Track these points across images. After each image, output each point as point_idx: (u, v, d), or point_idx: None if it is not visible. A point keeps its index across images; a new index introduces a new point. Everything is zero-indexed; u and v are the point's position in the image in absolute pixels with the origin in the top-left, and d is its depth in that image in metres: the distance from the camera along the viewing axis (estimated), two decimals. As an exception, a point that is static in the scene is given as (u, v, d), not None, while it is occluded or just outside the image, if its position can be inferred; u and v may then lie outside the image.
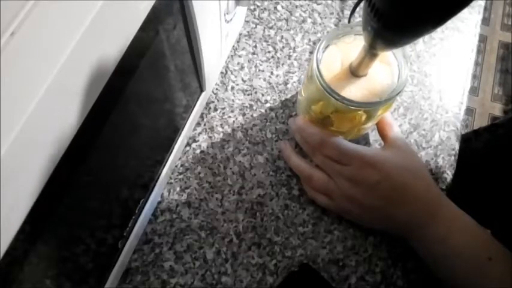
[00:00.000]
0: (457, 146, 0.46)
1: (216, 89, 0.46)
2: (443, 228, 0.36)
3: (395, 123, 0.42)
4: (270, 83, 0.47)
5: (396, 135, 0.40)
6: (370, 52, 0.32)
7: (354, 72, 0.36)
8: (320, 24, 0.50)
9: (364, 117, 0.37)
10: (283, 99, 0.46)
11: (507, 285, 0.33)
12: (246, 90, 0.46)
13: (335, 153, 0.38)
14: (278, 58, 0.48)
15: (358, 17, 0.50)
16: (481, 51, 1.52)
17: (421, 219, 0.37)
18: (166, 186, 0.42)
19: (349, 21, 0.48)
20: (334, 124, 0.39)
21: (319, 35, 0.50)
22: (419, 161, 0.40)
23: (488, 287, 0.34)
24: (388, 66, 0.37)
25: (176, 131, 0.39)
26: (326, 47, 0.37)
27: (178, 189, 0.42)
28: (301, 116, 0.42)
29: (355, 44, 0.37)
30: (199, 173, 0.43)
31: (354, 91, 0.36)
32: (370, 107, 0.35)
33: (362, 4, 0.27)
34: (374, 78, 0.36)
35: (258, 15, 0.50)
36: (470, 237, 0.36)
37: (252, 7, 0.50)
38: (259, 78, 0.47)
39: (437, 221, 0.36)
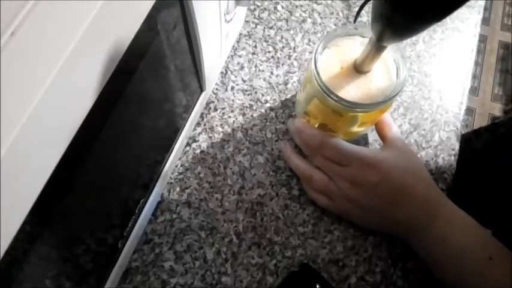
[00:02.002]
0: (457, 146, 0.46)
1: (216, 89, 0.46)
2: (444, 228, 0.36)
3: (395, 123, 0.42)
4: (270, 83, 0.47)
5: (395, 136, 0.40)
6: (377, 45, 0.31)
7: (358, 68, 0.36)
8: (320, 24, 0.50)
9: (362, 118, 0.37)
10: (283, 99, 0.46)
11: (508, 284, 0.33)
12: (246, 90, 0.46)
13: (335, 154, 0.38)
14: (278, 58, 0.48)
15: (359, 17, 0.50)
16: (481, 51, 1.52)
17: (421, 220, 0.37)
18: (166, 186, 0.42)
19: (355, 21, 0.48)
20: (332, 125, 0.39)
21: (319, 35, 0.50)
22: (418, 162, 0.40)
23: (489, 286, 0.34)
24: (387, 68, 0.37)
25: (176, 131, 0.39)
26: (324, 48, 0.37)
27: (178, 189, 0.42)
28: (300, 117, 0.42)
29: (351, 45, 0.37)
30: (199, 173, 0.43)
31: (352, 92, 0.36)
32: (368, 108, 0.35)
33: (370, 3, 0.28)
34: (373, 79, 0.36)
35: (258, 15, 0.50)
36: (471, 237, 0.36)
37: (252, 7, 0.50)
38: (259, 78, 0.47)
39: (438, 221, 0.36)
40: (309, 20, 0.50)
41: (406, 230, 0.38)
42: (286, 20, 0.50)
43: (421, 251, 0.38)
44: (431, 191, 0.38)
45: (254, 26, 0.49)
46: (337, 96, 0.34)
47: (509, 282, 0.33)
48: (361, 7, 0.47)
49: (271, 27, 0.49)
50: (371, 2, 0.47)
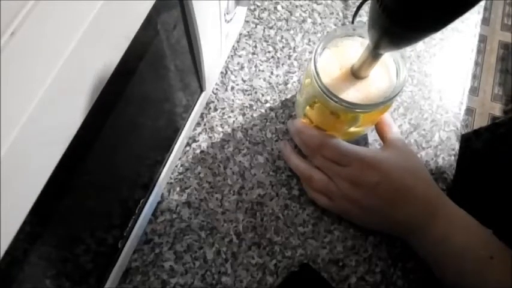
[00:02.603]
0: (457, 146, 0.46)
1: (216, 89, 0.46)
2: (444, 228, 0.36)
3: (395, 123, 0.42)
4: (270, 83, 0.47)
5: (395, 136, 0.40)
6: (374, 53, 0.31)
7: (356, 73, 0.35)
8: (320, 24, 0.50)
9: (362, 119, 0.37)
10: (283, 99, 0.46)
11: (508, 284, 0.33)
12: (246, 90, 0.46)
13: (334, 154, 0.38)
14: (278, 58, 0.48)
15: (359, 17, 0.50)
16: (481, 51, 1.52)
17: (421, 220, 0.37)
18: (166, 186, 0.42)
19: (352, 22, 0.48)
20: (331, 127, 0.39)
21: (319, 35, 0.50)
22: (418, 162, 0.40)
23: (489, 286, 0.34)
24: (386, 68, 0.37)
25: (176, 131, 0.39)
26: (323, 49, 0.37)
27: (178, 189, 0.42)
28: (299, 117, 0.42)
29: (351, 46, 0.37)
30: (199, 173, 0.43)
31: (352, 93, 0.35)
32: (368, 108, 0.35)
33: (368, 3, 0.27)
34: (372, 81, 0.36)
35: (258, 15, 0.50)
36: (471, 236, 0.36)
37: (252, 7, 0.50)
38: (259, 78, 0.47)
39: (438, 220, 0.36)
40: (309, 20, 0.50)
41: (406, 229, 0.38)
42: (286, 20, 0.50)
43: (421, 251, 0.38)
44: (432, 190, 0.38)
45: (254, 26, 0.49)
46: (337, 97, 0.34)
47: (509, 282, 0.33)
48: (358, 8, 0.47)
49: (271, 27, 0.49)
50: (368, 2, 0.47)
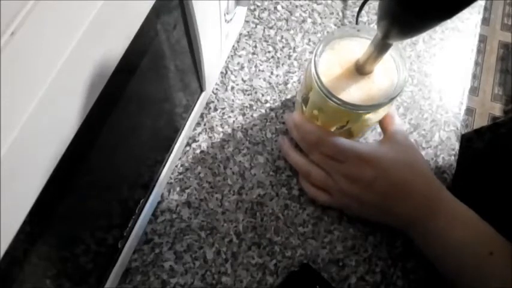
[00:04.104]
0: (457, 146, 0.46)
1: (216, 89, 0.46)
2: (444, 222, 0.36)
3: (397, 115, 0.41)
4: (270, 83, 0.47)
5: (396, 129, 0.39)
6: (382, 43, 0.31)
7: (361, 68, 0.35)
8: (320, 24, 0.50)
9: (362, 119, 0.37)
10: (283, 99, 0.46)
11: (508, 280, 0.33)
12: (246, 90, 0.46)
13: (332, 150, 0.38)
14: (278, 58, 0.48)
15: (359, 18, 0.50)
16: (481, 51, 1.52)
17: (421, 213, 0.36)
18: (166, 186, 0.42)
19: (356, 22, 0.48)
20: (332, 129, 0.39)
21: (319, 35, 0.50)
22: (418, 156, 0.39)
23: (488, 281, 0.34)
24: (387, 69, 0.36)
25: (176, 131, 0.39)
26: (323, 51, 0.37)
27: (178, 189, 0.42)
28: (297, 111, 0.42)
29: (350, 46, 0.37)
30: (199, 173, 0.43)
31: (354, 91, 0.35)
32: (369, 109, 0.35)
33: (369, 3, 0.27)
34: (374, 79, 0.36)
35: (258, 15, 0.50)
36: (472, 231, 0.36)
37: (252, 7, 0.50)
38: (259, 78, 0.47)
39: (438, 215, 0.36)
40: (309, 20, 0.50)
41: (406, 222, 0.38)
42: (286, 20, 0.50)
43: (422, 245, 0.38)
44: (432, 185, 0.38)
45: (254, 26, 0.49)
46: (338, 99, 0.34)
47: (509, 278, 0.33)
48: (360, 8, 0.47)
49: (271, 27, 0.49)
50: (369, 2, 0.47)
